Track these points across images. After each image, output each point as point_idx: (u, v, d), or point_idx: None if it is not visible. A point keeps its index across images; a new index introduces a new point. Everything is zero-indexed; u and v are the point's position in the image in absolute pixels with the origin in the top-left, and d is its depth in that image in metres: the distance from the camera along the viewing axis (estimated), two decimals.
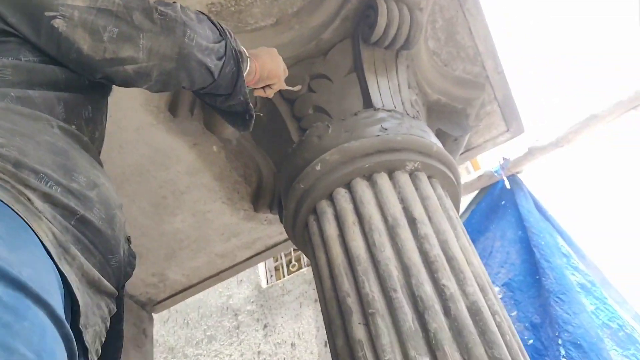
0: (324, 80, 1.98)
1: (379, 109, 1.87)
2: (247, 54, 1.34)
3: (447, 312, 1.43)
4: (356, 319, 1.49)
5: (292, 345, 4.07)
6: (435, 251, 1.54)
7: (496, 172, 3.13)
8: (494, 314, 1.48)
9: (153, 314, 2.96)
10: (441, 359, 1.34)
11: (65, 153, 0.92)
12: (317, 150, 1.82)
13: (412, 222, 1.62)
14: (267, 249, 2.77)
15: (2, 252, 0.67)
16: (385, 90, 1.95)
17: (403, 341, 1.38)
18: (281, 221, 2.36)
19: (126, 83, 1.08)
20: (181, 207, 2.51)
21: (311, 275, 4.39)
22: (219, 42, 1.20)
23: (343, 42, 2.01)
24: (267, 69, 1.46)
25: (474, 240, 3.22)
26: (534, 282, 2.87)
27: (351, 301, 1.53)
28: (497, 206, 3.19)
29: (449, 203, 1.78)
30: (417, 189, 1.73)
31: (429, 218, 1.65)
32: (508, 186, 3.07)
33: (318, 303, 4.24)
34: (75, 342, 0.76)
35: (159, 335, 4.74)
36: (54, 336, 0.69)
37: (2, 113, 0.88)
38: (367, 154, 1.75)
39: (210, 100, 1.33)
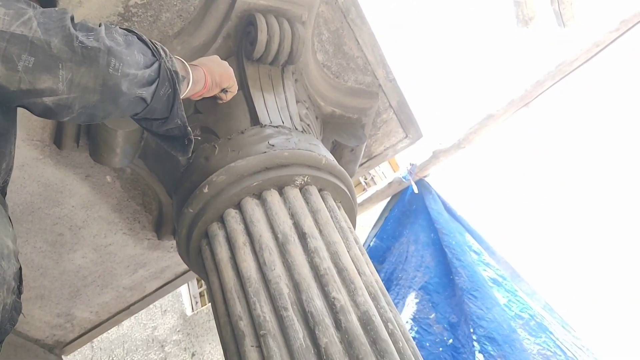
0: (210, 101, 1.93)
1: (265, 125, 1.85)
2: (187, 68, 1.29)
3: (338, 325, 1.41)
4: (249, 342, 1.45)
5: None
6: (326, 264, 1.53)
7: (404, 177, 3.18)
8: (386, 322, 1.48)
9: (63, 357, 2.81)
10: None
11: None
12: (204, 172, 1.78)
13: (302, 236, 1.60)
14: (177, 276, 2.69)
15: None
16: (272, 106, 1.93)
17: (294, 359, 1.36)
18: None
19: (46, 115, 1.00)
20: (80, 242, 2.40)
21: None
22: (151, 65, 1.12)
23: (227, 61, 1.98)
24: (217, 72, 1.43)
25: (389, 247, 3.28)
26: (449, 283, 2.93)
27: (244, 324, 1.49)
28: (409, 211, 3.24)
29: (340, 214, 1.77)
30: (307, 203, 1.71)
31: (320, 231, 1.63)
32: (416, 191, 3.12)
33: None
34: None
35: None
36: None
37: None
38: (255, 172, 1.72)
39: (147, 125, 1.26)
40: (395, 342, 1.43)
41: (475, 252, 2.92)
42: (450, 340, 2.76)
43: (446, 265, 2.94)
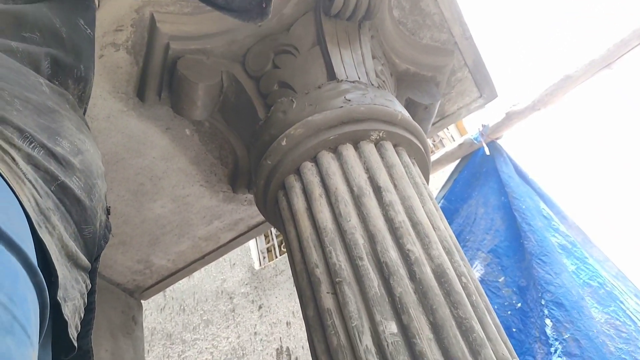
0: (287, 56, 1.98)
1: (342, 80, 1.87)
2: None
3: (412, 276, 1.44)
4: (324, 288, 1.51)
5: (288, 324, 4.10)
6: (400, 217, 1.55)
7: (476, 139, 3.14)
8: (459, 275, 1.50)
9: (142, 301, 2.98)
10: (406, 322, 1.35)
11: (52, 114, 0.86)
12: (282, 125, 1.82)
13: (377, 190, 1.63)
14: (250, 229, 2.78)
15: None
16: (349, 61, 1.94)
17: (369, 307, 1.40)
18: None
19: None
20: (160, 192, 2.52)
21: None
22: None
23: (305, 16, 2.01)
24: None
25: (457, 209, 3.26)
26: (518, 247, 2.90)
27: (319, 272, 1.54)
28: (478, 173, 3.21)
29: (415, 170, 1.79)
30: (382, 157, 1.73)
31: (395, 186, 1.66)
32: (488, 152, 3.08)
33: None
34: (48, 296, 0.71)
35: (156, 323, 4.78)
36: (26, 283, 0.65)
37: None
38: (331, 126, 1.75)
39: None
40: (468, 295, 1.45)
41: (545, 217, 2.88)
42: (519, 304, 2.76)
43: (516, 229, 2.91)
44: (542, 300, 2.60)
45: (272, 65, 1.99)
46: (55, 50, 0.95)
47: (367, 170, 1.69)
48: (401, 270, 1.44)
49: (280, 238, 4.73)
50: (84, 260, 0.85)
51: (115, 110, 2.18)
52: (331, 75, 1.90)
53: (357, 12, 1.93)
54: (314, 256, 1.58)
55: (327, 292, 1.50)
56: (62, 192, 0.83)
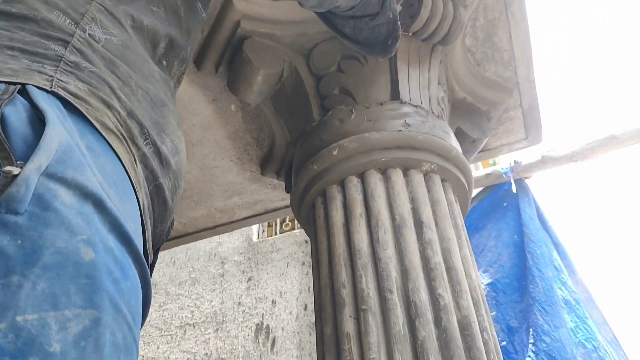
0: (354, 62, 1.95)
1: (405, 102, 1.85)
2: None
3: (438, 322, 1.44)
4: (348, 311, 1.51)
5: (273, 302, 4.13)
6: (437, 259, 1.55)
7: (505, 173, 3.13)
8: (482, 330, 1.50)
9: None
10: None
11: (162, 108, 0.88)
12: (336, 134, 1.81)
13: (419, 224, 1.62)
14: (267, 212, 2.78)
15: (115, 201, 0.64)
16: (415, 83, 1.92)
17: (390, 344, 1.40)
18: (286, 190, 2.37)
19: None
20: (190, 158, 2.50)
21: (302, 237, 4.43)
22: None
23: None
24: None
25: (469, 236, 3.27)
26: (519, 287, 2.92)
27: (346, 293, 1.54)
28: (498, 206, 3.20)
29: (457, 210, 1.78)
30: (429, 191, 1.72)
31: (436, 223, 1.65)
32: (514, 190, 3.07)
33: (304, 265, 4.29)
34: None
35: None
36: (140, 298, 0.69)
37: (122, 50, 0.82)
38: (385, 148, 1.74)
39: (354, 25, 1.20)
40: (487, 353, 1.45)
41: (556, 267, 2.89)
42: (504, 343, 2.78)
43: (522, 270, 2.93)
44: (533, 347, 2.62)
45: (337, 68, 1.96)
46: (173, 31, 0.96)
47: (412, 201, 1.68)
48: (428, 314, 1.45)
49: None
50: (148, 254, 0.87)
51: None
52: (395, 94, 1.87)
53: (435, 35, 1.90)
54: (343, 276, 1.57)
55: (350, 316, 1.50)
56: (156, 192, 0.85)
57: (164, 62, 0.95)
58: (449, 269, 1.56)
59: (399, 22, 1.23)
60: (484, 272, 3.09)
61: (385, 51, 1.29)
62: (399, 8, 1.32)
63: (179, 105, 2.25)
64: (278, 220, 4.58)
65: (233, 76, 2.03)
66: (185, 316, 4.38)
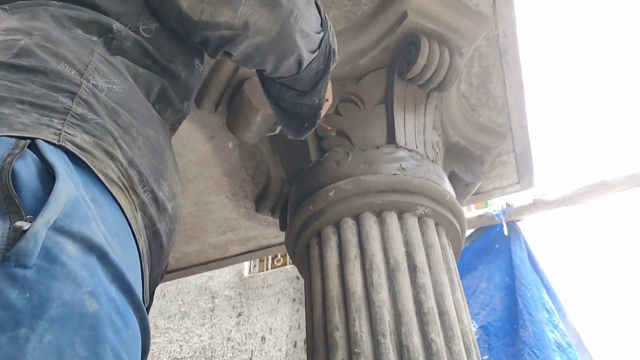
0: (352, 106, 1.99)
1: (401, 146, 1.88)
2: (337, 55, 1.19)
3: None
4: (340, 354, 1.51)
5: (263, 338, 4.10)
6: (430, 303, 1.56)
7: (497, 215, 3.16)
8: None
9: None
10: None
11: (162, 153, 0.88)
12: (333, 176, 1.83)
13: (412, 268, 1.64)
14: (260, 249, 2.79)
15: (117, 252, 0.66)
16: (411, 128, 1.95)
17: None
18: (281, 228, 2.38)
19: (220, 44, 0.99)
20: (185, 194, 2.52)
21: (294, 273, 4.41)
22: (319, 32, 1.07)
23: (378, 71, 2.01)
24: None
25: (461, 277, 3.27)
26: (511, 330, 2.92)
27: (339, 335, 1.55)
28: (490, 248, 3.22)
29: (450, 254, 1.80)
30: (423, 235, 1.74)
31: (430, 267, 1.67)
32: (506, 233, 3.10)
33: (295, 302, 4.27)
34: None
35: None
36: (140, 347, 0.69)
37: (123, 97, 0.83)
38: (381, 191, 1.76)
39: (279, 91, 1.19)
40: None
41: (547, 310, 2.89)
42: None
43: (513, 314, 2.93)
44: None
45: (335, 111, 1.99)
46: (168, 83, 0.98)
47: (407, 244, 1.70)
48: (420, 359, 1.45)
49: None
50: (147, 301, 0.88)
51: None
52: (391, 138, 1.91)
53: (431, 81, 1.94)
54: (336, 318, 1.58)
55: (342, 359, 1.50)
56: (154, 238, 0.86)
57: (157, 107, 0.97)
58: (442, 313, 1.57)
59: (321, 112, 1.22)
60: (476, 315, 3.08)
61: (298, 132, 1.29)
62: (327, 101, 1.32)
63: (177, 141, 2.28)
64: (270, 256, 4.57)
65: (232, 115, 2.06)
66: (174, 350, 4.33)
